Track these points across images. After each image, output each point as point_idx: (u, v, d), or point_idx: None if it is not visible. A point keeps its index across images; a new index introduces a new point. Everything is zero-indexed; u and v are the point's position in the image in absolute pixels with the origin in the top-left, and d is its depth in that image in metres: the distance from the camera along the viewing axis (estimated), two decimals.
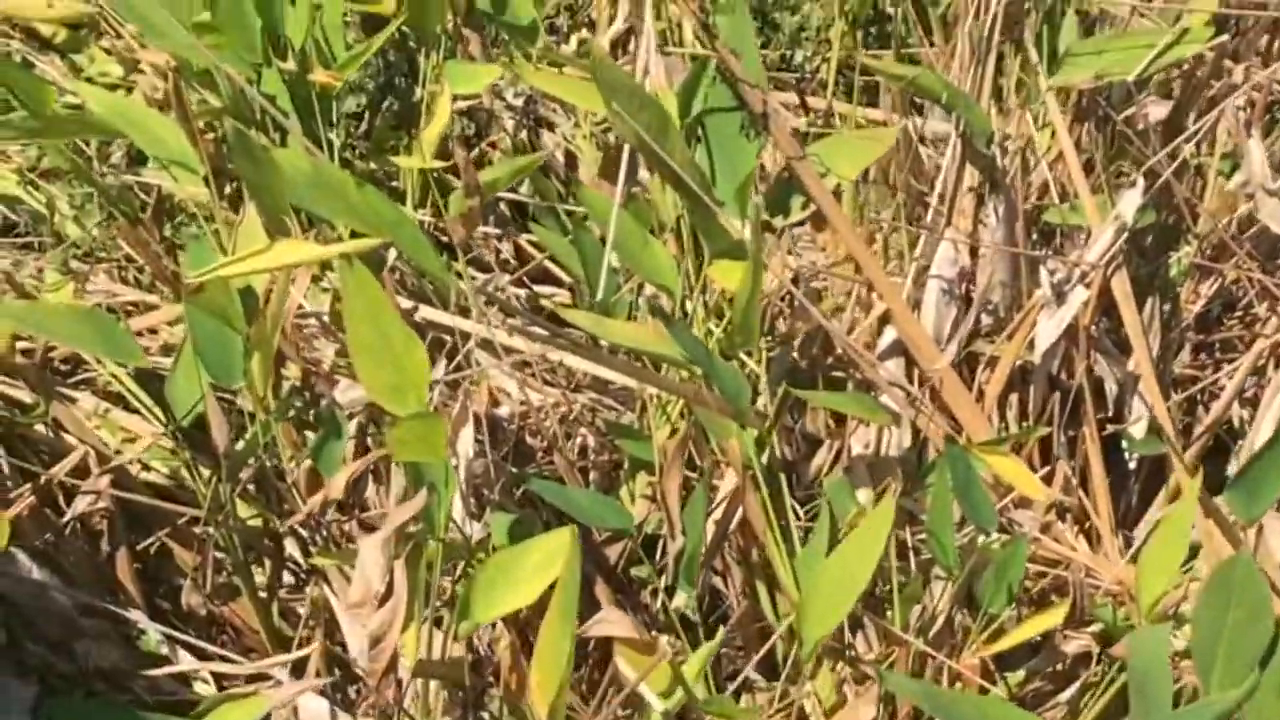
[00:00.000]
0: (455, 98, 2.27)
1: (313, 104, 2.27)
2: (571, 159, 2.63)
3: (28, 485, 1.89)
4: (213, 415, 1.85)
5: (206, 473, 1.95)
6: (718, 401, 1.82)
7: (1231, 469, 2.21)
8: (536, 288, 2.50)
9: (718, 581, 2.15)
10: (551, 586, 1.61)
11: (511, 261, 2.66)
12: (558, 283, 2.59)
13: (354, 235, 2.16)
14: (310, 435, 2.15)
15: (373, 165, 2.40)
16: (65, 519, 1.89)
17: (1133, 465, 2.16)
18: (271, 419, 1.92)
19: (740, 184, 1.90)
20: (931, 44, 2.67)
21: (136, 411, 2.21)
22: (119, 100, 2.25)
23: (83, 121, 2.21)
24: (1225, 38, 2.05)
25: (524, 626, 1.85)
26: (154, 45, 2.33)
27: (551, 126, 2.69)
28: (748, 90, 1.86)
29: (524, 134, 2.70)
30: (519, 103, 2.65)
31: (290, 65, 2.22)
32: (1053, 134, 2.04)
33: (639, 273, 1.98)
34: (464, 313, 2.06)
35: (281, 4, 2.27)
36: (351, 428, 2.00)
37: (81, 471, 1.97)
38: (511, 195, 2.55)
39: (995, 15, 1.94)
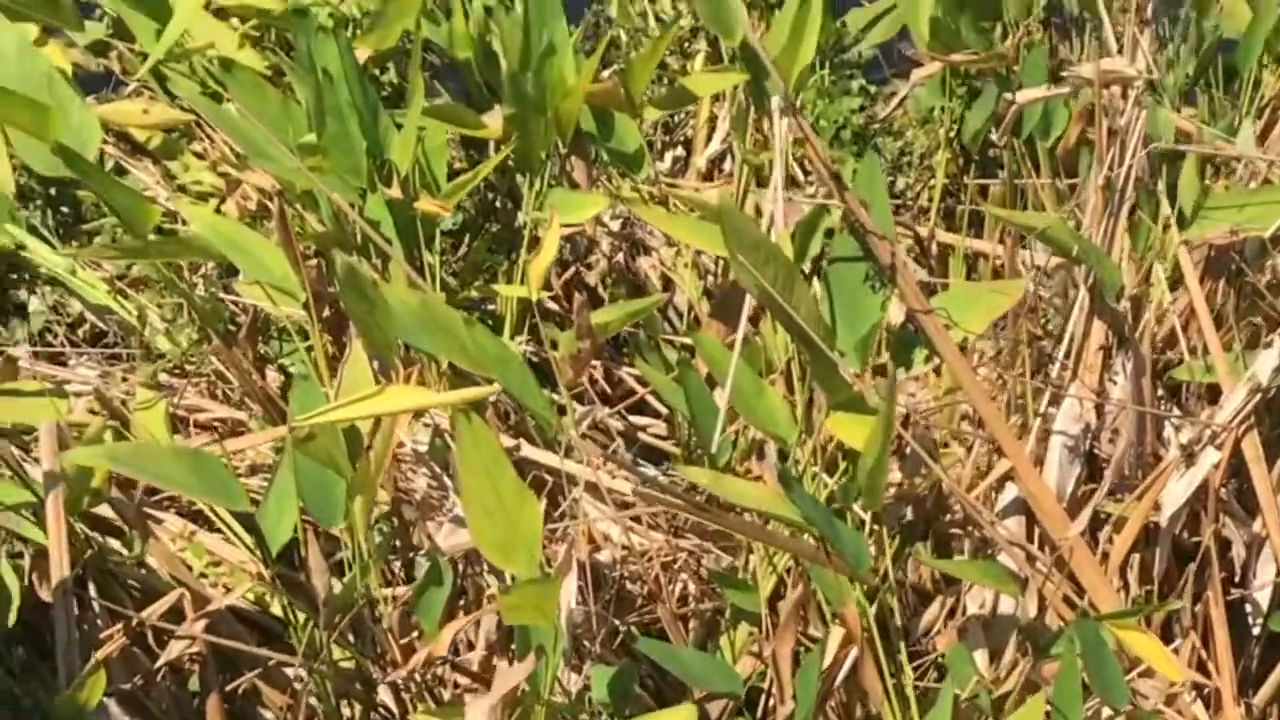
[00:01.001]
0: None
1: (415, 227, 2.23)
2: (669, 284, 2.57)
3: (118, 626, 1.83)
4: (313, 560, 1.79)
5: (301, 615, 1.89)
6: (837, 563, 1.75)
7: None
8: (632, 418, 2.44)
9: None
10: None
11: (600, 381, 2.61)
12: (651, 412, 2.53)
13: (454, 367, 2.12)
14: (395, 562, 2.10)
15: (474, 293, 2.35)
16: (158, 664, 1.83)
17: (1255, 630, 2.08)
18: (370, 562, 1.86)
19: (863, 336, 1.83)
20: (1038, 174, 2.61)
21: (219, 531, 2.17)
22: (220, 221, 2.21)
23: (184, 243, 2.17)
24: None
25: None
26: (257, 166, 2.29)
27: (648, 250, 2.63)
28: (876, 241, 1.80)
29: (619, 256, 2.65)
30: (616, 225, 2.60)
31: (395, 191, 2.18)
32: (1182, 288, 1.98)
33: (753, 422, 1.91)
34: (566, 447, 2.00)
35: (387, 127, 2.23)
36: None
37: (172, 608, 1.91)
38: None
39: (1130, 168, 1.87)
